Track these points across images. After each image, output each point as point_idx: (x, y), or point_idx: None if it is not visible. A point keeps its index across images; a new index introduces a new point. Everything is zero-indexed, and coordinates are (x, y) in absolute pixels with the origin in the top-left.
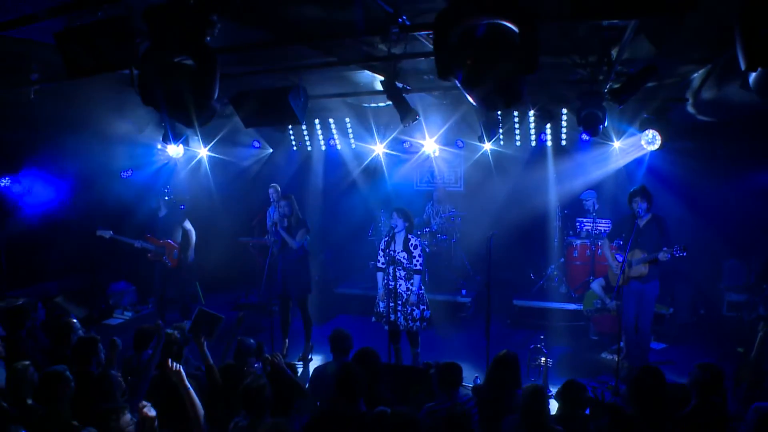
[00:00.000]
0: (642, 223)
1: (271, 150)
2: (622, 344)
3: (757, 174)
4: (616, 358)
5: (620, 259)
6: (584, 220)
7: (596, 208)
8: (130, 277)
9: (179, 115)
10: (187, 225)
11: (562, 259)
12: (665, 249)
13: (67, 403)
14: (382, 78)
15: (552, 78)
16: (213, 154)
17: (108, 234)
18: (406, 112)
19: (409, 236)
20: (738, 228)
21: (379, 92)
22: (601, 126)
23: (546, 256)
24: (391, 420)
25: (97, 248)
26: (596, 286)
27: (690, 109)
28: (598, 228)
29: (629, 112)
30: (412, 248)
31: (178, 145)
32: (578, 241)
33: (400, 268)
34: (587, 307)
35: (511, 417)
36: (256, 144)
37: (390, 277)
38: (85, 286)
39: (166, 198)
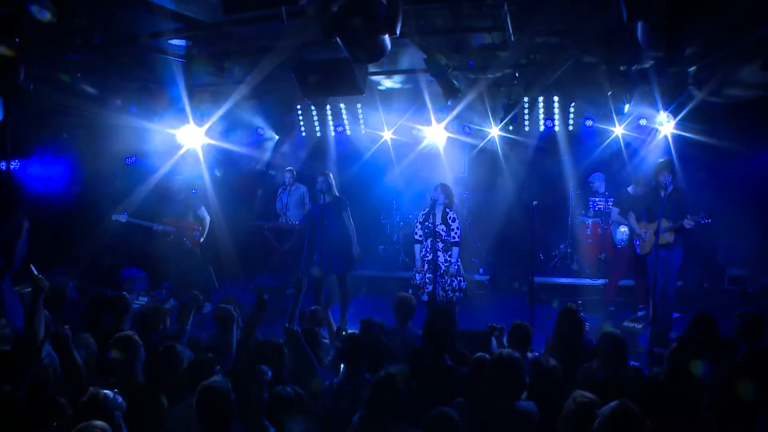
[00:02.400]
0: (665, 194)
1: (278, 137)
2: (646, 312)
3: (748, 160)
4: (637, 326)
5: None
6: (596, 199)
7: (604, 188)
8: (138, 263)
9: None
10: (203, 212)
11: (572, 239)
12: (689, 216)
13: (139, 368)
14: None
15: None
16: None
17: (124, 218)
18: (449, 89)
19: (447, 210)
20: (730, 210)
21: (422, 70)
22: (627, 103)
23: (559, 235)
24: (498, 360)
25: (104, 234)
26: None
27: (696, 92)
28: (610, 207)
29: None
30: (450, 221)
31: (200, 127)
32: (590, 220)
33: (439, 240)
34: None
35: (587, 364)
36: (260, 131)
37: (429, 249)
38: (97, 272)
39: (184, 182)
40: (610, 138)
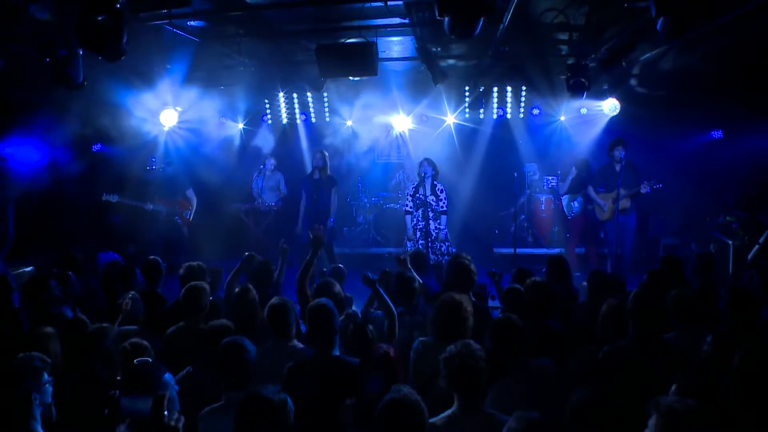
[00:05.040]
0: (620, 167)
1: (243, 124)
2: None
3: (676, 141)
4: None
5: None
6: (550, 177)
7: (538, 176)
8: (113, 247)
9: None
10: (191, 192)
11: (527, 214)
12: (645, 183)
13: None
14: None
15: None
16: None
17: (115, 198)
18: (437, 74)
19: (435, 182)
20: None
21: (411, 58)
22: (585, 92)
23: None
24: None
25: (78, 219)
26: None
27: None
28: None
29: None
30: (438, 192)
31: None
32: (543, 196)
33: (429, 210)
34: None
35: (580, 302)
36: (223, 119)
37: (420, 219)
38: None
39: (171, 163)
40: (554, 125)
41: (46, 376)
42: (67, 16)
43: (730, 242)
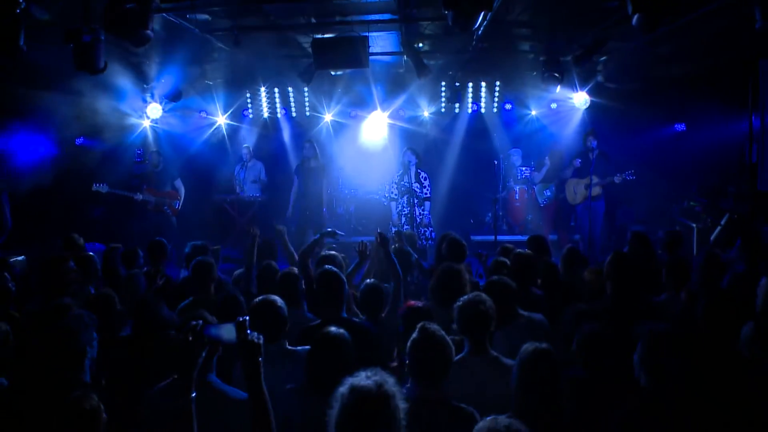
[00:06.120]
0: (594, 155)
1: (223, 118)
2: None
3: (643, 134)
4: None
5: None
6: (523, 168)
7: (521, 161)
8: (100, 238)
9: None
10: (179, 183)
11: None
12: (618, 174)
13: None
14: None
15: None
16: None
17: (104, 189)
18: (422, 69)
19: (419, 170)
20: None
21: (396, 53)
22: (559, 84)
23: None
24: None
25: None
26: None
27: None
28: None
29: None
30: (422, 180)
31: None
32: (517, 186)
33: (414, 197)
34: None
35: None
36: (203, 114)
37: (405, 205)
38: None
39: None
40: (527, 119)
41: (94, 333)
42: (94, 4)
43: (694, 225)
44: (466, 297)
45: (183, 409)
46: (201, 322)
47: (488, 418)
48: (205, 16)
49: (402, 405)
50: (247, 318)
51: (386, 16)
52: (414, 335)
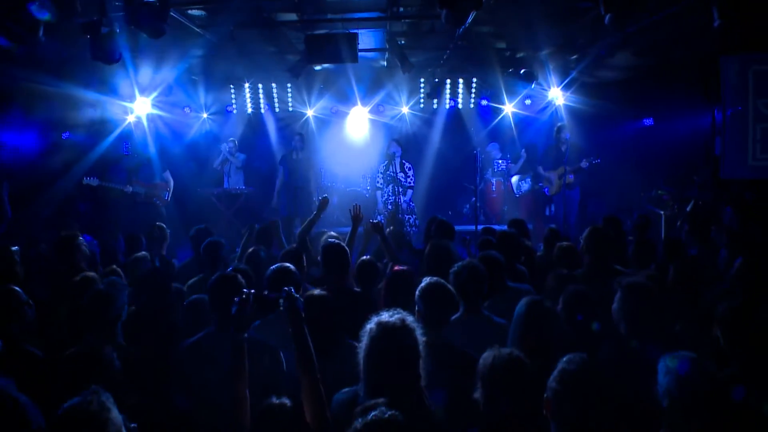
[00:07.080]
0: (565, 147)
1: (207, 114)
2: None
3: (612, 128)
4: None
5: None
6: (500, 161)
7: (500, 155)
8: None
9: None
10: (167, 175)
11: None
12: (584, 159)
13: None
14: None
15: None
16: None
17: (95, 182)
18: (406, 64)
19: (404, 161)
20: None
21: (382, 49)
22: (535, 81)
23: (468, 194)
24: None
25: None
26: None
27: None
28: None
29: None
30: (407, 169)
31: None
32: (494, 179)
33: (399, 186)
34: None
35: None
36: (188, 109)
37: (390, 194)
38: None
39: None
40: (502, 114)
41: (125, 297)
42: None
43: (662, 212)
44: (462, 263)
45: (238, 345)
46: (253, 291)
47: (491, 349)
48: (201, 12)
49: (421, 338)
50: (293, 288)
51: (374, 14)
52: (422, 285)
